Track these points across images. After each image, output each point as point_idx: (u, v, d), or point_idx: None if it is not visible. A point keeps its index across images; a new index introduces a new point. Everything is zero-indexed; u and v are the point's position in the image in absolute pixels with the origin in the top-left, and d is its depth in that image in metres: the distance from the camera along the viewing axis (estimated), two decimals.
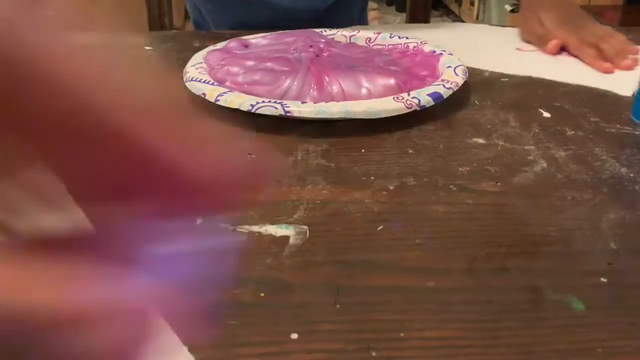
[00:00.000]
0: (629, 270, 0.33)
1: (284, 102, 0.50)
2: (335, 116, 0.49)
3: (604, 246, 0.35)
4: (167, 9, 1.21)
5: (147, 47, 0.78)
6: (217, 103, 0.51)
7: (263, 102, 0.50)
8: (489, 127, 0.52)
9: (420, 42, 0.67)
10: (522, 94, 0.61)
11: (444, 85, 0.54)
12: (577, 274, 0.33)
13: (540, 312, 0.30)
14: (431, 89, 0.53)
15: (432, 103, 0.52)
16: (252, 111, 0.49)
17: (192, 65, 0.60)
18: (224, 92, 0.52)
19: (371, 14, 4.09)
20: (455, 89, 0.54)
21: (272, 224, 0.37)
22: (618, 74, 0.66)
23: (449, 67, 0.59)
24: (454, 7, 3.58)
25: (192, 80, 0.55)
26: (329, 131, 0.50)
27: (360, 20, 0.94)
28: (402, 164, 0.45)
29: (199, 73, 0.57)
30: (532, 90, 0.62)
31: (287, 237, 0.36)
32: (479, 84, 0.62)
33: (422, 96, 0.52)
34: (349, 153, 0.47)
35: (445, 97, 0.53)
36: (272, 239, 0.36)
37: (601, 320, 0.29)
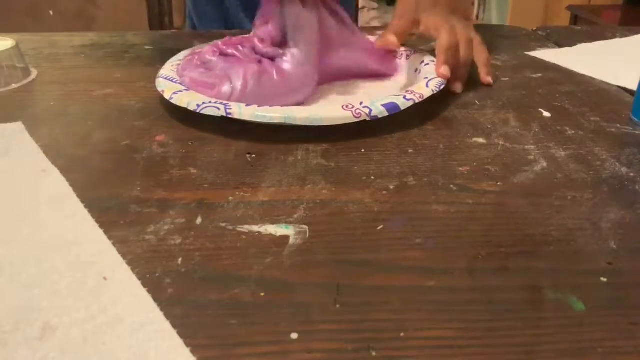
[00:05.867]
0: (629, 270, 0.33)
1: (228, 103, 0.50)
2: (275, 121, 0.48)
3: (604, 246, 0.35)
4: (167, 8, 1.22)
5: (147, 47, 0.78)
6: (171, 101, 0.52)
7: (210, 102, 0.50)
8: (489, 126, 0.52)
9: (415, 50, 0.66)
10: (522, 94, 0.61)
11: (404, 97, 0.51)
12: (577, 274, 0.33)
13: (540, 312, 0.30)
14: (389, 99, 0.51)
15: (387, 114, 0.50)
16: (198, 111, 0.50)
17: (169, 63, 0.61)
18: (179, 91, 0.53)
19: (371, 14, 4.09)
20: (417, 101, 0.52)
21: (272, 224, 0.37)
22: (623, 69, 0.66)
23: (426, 78, 0.56)
24: None
25: (160, 77, 0.57)
26: (329, 131, 0.50)
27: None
28: (402, 164, 0.45)
29: (171, 71, 0.58)
30: (532, 90, 0.62)
31: (287, 237, 0.36)
32: (479, 84, 0.62)
33: (375, 106, 0.50)
34: (349, 153, 0.47)
35: (403, 108, 0.51)
36: (272, 239, 0.36)
37: (601, 320, 0.29)
